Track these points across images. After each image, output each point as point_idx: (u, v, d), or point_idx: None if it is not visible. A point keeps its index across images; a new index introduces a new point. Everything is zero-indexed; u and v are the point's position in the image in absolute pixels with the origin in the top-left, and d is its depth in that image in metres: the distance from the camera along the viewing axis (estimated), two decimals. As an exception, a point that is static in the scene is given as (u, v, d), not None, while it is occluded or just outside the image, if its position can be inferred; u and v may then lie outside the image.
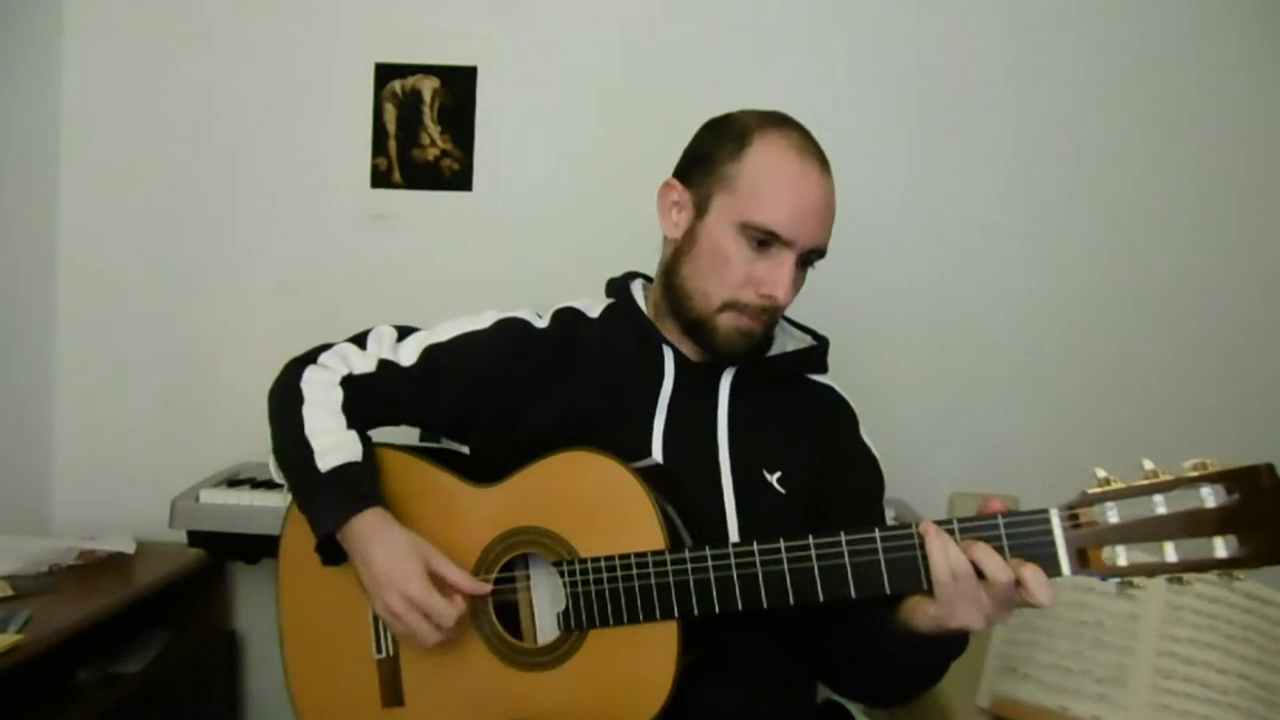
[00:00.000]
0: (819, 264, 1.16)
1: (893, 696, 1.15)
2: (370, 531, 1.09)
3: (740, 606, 1.00)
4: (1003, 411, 2.08)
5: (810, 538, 0.98)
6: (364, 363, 1.22)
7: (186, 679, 1.96)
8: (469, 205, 2.11)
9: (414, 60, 2.10)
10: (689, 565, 1.01)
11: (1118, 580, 0.88)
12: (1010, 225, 2.08)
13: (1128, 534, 0.87)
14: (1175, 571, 0.86)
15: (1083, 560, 0.89)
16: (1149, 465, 0.87)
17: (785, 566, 0.98)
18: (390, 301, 2.08)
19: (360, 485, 1.13)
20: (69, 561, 1.79)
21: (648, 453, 1.14)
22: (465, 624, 1.10)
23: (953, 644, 1.00)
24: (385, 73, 2.10)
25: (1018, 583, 0.89)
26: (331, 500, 1.12)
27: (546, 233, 2.10)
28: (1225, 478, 0.84)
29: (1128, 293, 2.06)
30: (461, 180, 2.11)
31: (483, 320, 1.24)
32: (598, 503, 1.07)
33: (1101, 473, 0.89)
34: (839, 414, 1.23)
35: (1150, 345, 2.06)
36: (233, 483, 1.84)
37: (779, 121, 1.14)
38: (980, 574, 0.90)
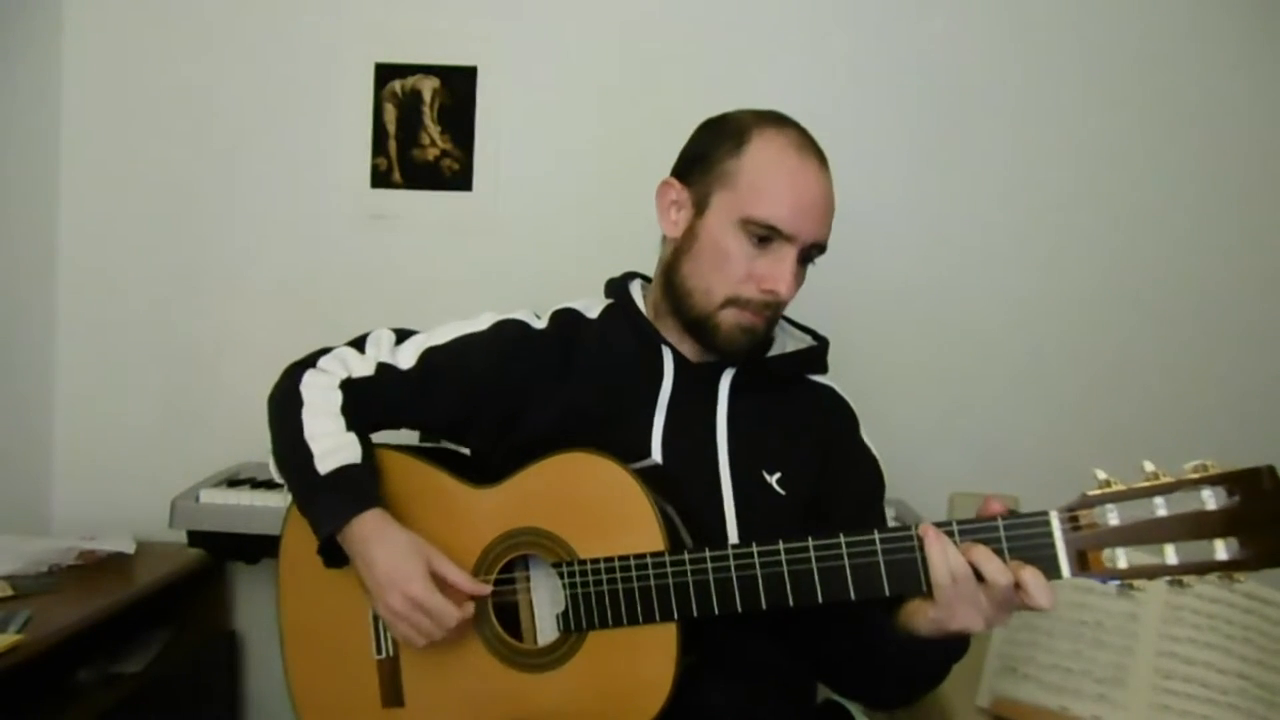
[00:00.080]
0: (819, 263, 1.17)
1: (893, 698, 1.15)
2: (371, 533, 1.09)
3: (739, 608, 1.00)
4: (1003, 411, 2.08)
5: (809, 539, 0.98)
6: (363, 366, 1.22)
7: (186, 679, 1.96)
8: (469, 205, 2.11)
9: (414, 60, 2.10)
10: (688, 567, 1.01)
11: (1118, 582, 0.88)
12: (1010, 225, 2.08)
13: (1128, 536, 0.87)
14: (1176, 574, 0.86)
15: (1083, 563, 0.89)
16: (1149, 467, 0.87)
17: (784, 568, 0.98)
18: (390, 302, 2.09)
19: (360, 487, 1.13)
20: (69, 561, 1.79)
21: (647, 453, 1.14)
22: (465, 625, 1.10)
23: (953, 647, 1.00)
24: (385, 73, 2.10)
25: (1017, 585, 0.89)
26: (331, 502, 1.12)
27: (546, 233, 2.10)
28: (1226, 480, 0.84)
29: (1128, 293, 2.06)
30: (461, 180, 2.11)
31: (481, 322, 1.24)
32: (597, 504, 1.07)
33: (1101, 474, 0.89)
34: (839, 414, 1.23)
35: (1150, 345, 2.06)
36: (233, 483, 1.85)
37: (776, 119, 1.15)
38: (980, 576, 0.90)
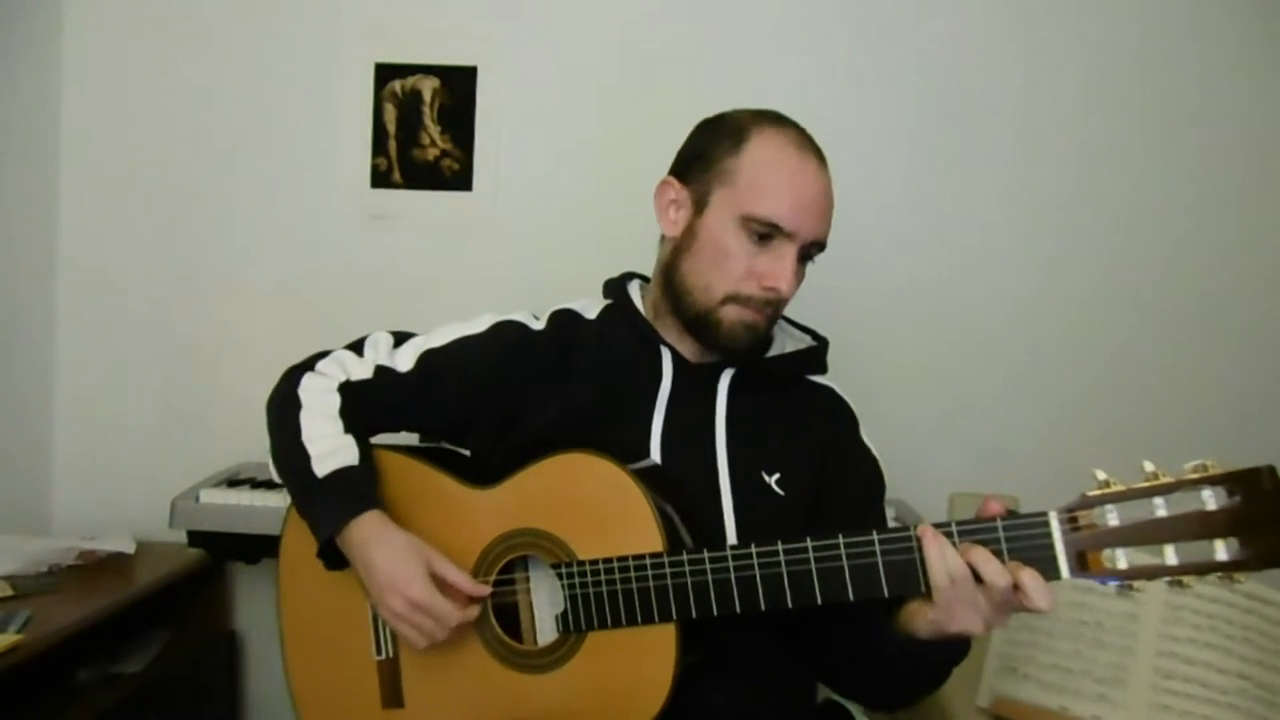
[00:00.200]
0: (818, 261, 1.17)
1: (894, 699, 1.15)
2: (369, 535, 1.09)
3: (738, 609, 1.00)
4: (1003, 411, 2.08)
5: (808, 540, 0.98)
6: (361, 369, 1.21)
7: (186, 679, 1.96)
8: (469, 205, 2.11)
9: (414, 60, 2.10)
10: (686, 568, 1.01)
11: (1118, 583, 0.88)
12: (1010, 225, 2.08)
13: (1127, 537, 0.87)
14: (1175, 574, 0.86)
15: (1082, 563, 0.89)
16: (1149, 467, 0.87)
17: (783, 569, 0.98)
18: (390, 302, 2.09)
19: (357, 489, 1.12)
20: (69, 561, 1.79)
21: (646, 453, 1.14)
22: (465, 626, 1.10)
23: (953, 650, 1.00)
24: (385, 73, 2.10)
25: (1016, 587, 0.89)
26: (329, 505, 1.12)
27: (546, 233, 2.10)
28: (1226, 480, 0.84)
29: (1128, 293, 2.06)
30: (461, 180, 2.11)
31: (479, 324, 1.23)
32: (595, 504, 1.07)
33: (1101, 475, 0.89)
34: (838, 415, 1.23)
35: (1150, 345, 2.06)
36: (233, 483, 1.84)
37: (775, 118, 1.15)
38: (978, 578, 0.90)
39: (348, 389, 1.20)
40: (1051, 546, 0.89)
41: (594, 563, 1.06)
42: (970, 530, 0.92)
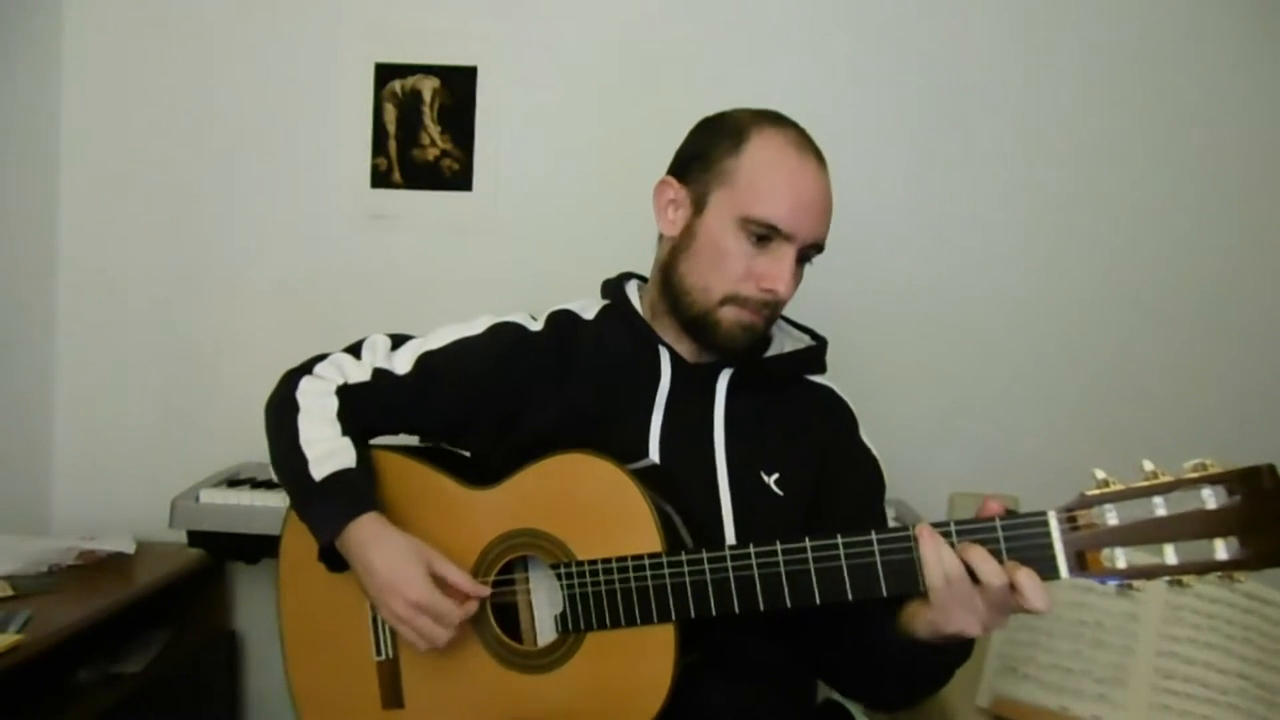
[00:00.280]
0: (818, 262, 1.17)
1: (895, 699, 1.15)
2: (368, 537, 1.09)
3: (737, 609, 1.00)
4: (1003, 411, 2.08)
5: (807, 540, 0.97)
6: (359, 372, 1.21)
7: (186, 679, 1.96)
8: (469, 205, 2.11)
9: (414, 60, 2.10)
10: (685, 568, 1.01)
11: (1117, 582, 0.88)
12: (1010, 225, 2.08)
13: (1127, 536, 0.87)
14: (1175, 574, 0.86)
15: (1081, 563, 0.88)
16: (1149, 466, 0.87)
17: (782, 569, 0.98)
18: (390, 302, 2.09)
19: (354, 491, 1.12)
20: (69, 561, 1.79)
21: (645, 453, 1.14)
22: (465, 626, 1.10)
23: (953, 651, 0.99)
24: (385, 73, 2.10)
25: (1012, 587, 0.88)
26: (327, 508, 1.12)
27: (546, 233, 2.10)
28: (1226, 479, 0.84)
29: (1128, 293, 2.06)
30: (461, 180, 2.11)
31: (477, 325, 1.23)
32: (594, 505, 1.07)
33: (1100, 474, 0.89)
34: (837, 414, 1.23)
35: (1150, 345, 2.06)
36: (233, 483, 1.84)
37: (775, 118, 1.15)
38: (975, 578, 0.90)
39: (345, 392, 1.20)
40: (1050, 546, 0.89)
41: (593, 563, 1.06)
42: (969, 530, 0.92)
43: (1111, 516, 0.87)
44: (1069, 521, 0.89)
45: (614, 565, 1.04)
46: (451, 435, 1.26)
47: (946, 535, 0.92)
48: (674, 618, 1.02)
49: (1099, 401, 2.06)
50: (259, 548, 1.78)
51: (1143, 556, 0.87)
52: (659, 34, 2.09)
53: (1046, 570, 0.89)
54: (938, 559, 0.91)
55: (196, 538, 1.80)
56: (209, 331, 2.14)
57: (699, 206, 1.14)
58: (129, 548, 1.89)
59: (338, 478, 1.12)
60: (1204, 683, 1.21)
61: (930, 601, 0.93)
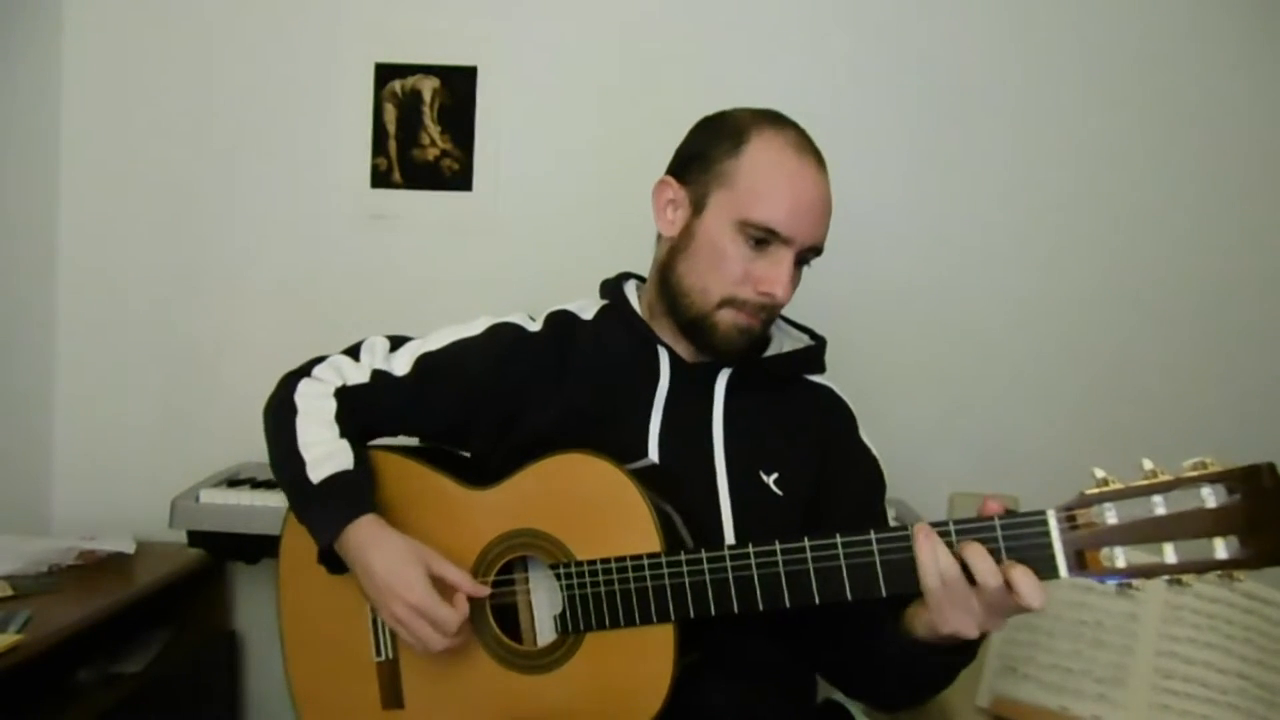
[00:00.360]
0: (817, 262, 1.16)
1: (896, 700, 1.15)
2: (367, 540, 1.09)
3: (736, 609, 1.00)
4: (1003, 411, 2.08)
5: (806, 540, 0.97)
6: (357, 374, 1.21)
7: (186, 679, 1.96)
8: (469, 205, 2.11)
9: (414, 60, 2.10)
10: (684, 568, 1.01)
11: (1117, 582, 0.88)
12: (1010, 225, 2.08)
13: (1126, 535, 0.86)
14: (1175, 573, 0.86)
15: (1081, 562, 0.88)
16: (1148, 465, 0.86)
17: (781, 569, 0.98)
18: (390, 302, 2.09)
19: (352, 493, 1.12)
20: (69, 561, 1.79)
21: (644, 453, 1.14)
22: (465, 627, 1.10)
23: (955, 653, 0.98)
24: (385, 73, 2.10)
25: (1008, 585, 0.87)
26: (325, 511, 1.12)
27: (546, 233, 2.10)
28: (1226, 478, 0.83)
29: (1128, 293, 2.06)
30: (461, 180, 2.11)
31: (475, 326, 1.23)
32: (593, 505, 1.07)
33: (1100, 473, 0.89)
34: (837, 414, 1.23)
35: (1150, 345, 2.06)
36: (233, 483, 1.84)
37: (775, 119, 1.14)
38: (972, 579, 0.89)
39: (344, 394, 1.20)
40: (1050, 545, 0.89)
41: (592, 563, 1.06)
42: (968, 529, 0.92)
43: (1111, 515, 0.87)
44: (1068, 520, 0.89)
45: (613, 565, 1.04)
46: (450, 436, 1.26)
47: (945, 535, 0.92)
48: (673, 618, 1.02)
49: (1099, 401, 2.06)
50: (259, 548, 1.78)
51: (1142, 555, 0.87)
52: (659, 34, 2.09)
53: (1046, 569, 0.88)
54: (933, 559, 0.90)
55: (196, 538, 1.80)
56: (209, 331, 2.14)
57: (698, 207, 1.14)
58: (129, 548, 1.89)
59: (336, 480, 1.12)
60: (1204, 682, 1.21)
61: (926, 602, 0.93)
